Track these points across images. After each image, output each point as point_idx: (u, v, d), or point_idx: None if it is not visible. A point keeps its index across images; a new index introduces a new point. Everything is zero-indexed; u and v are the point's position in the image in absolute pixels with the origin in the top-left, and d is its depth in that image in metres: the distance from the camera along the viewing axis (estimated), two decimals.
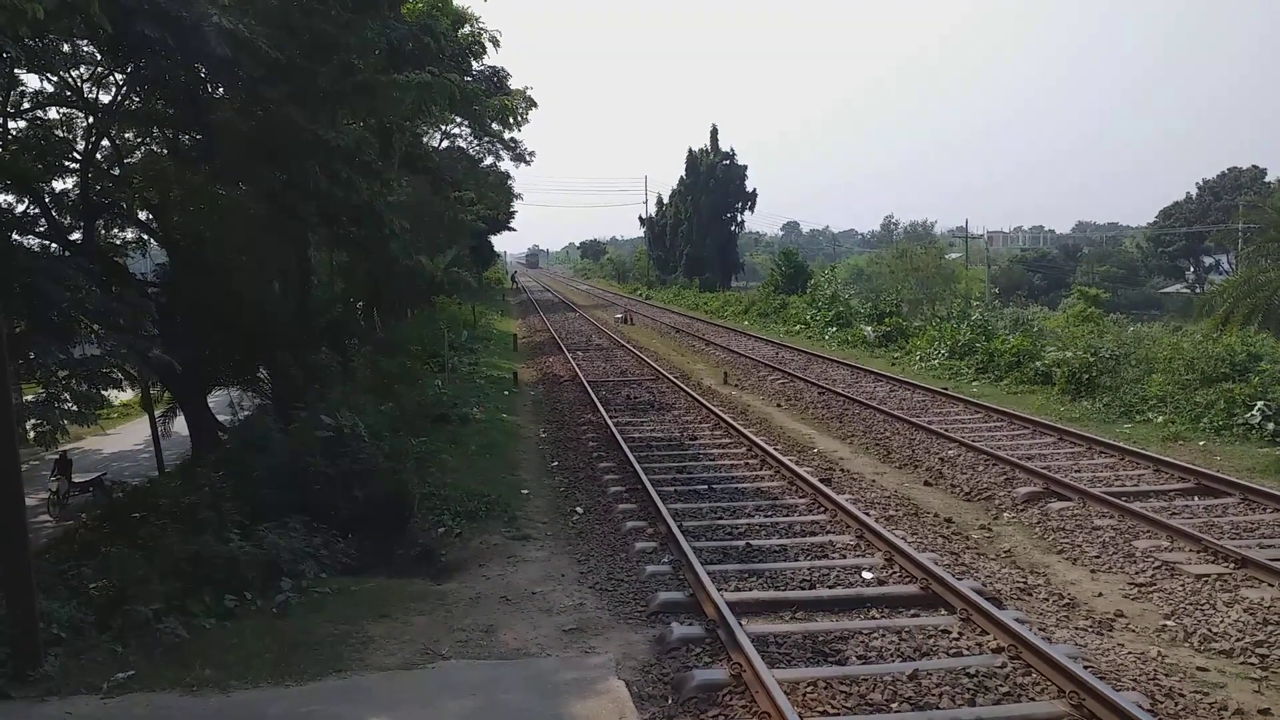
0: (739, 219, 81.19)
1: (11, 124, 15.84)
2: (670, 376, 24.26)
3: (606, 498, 12.73)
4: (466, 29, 25.09)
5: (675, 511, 11.30)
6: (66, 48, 14.77)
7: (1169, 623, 8.07)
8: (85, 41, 14.44)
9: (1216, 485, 11.80)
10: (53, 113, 16.87)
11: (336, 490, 11.07)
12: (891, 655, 7.28)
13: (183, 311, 16.79)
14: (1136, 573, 9.27)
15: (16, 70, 14.62)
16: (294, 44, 14.03)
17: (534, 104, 31.87)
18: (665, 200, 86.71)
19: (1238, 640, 7.54)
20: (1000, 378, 22.23)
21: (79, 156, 16.55)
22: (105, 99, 16.63)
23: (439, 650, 7.57)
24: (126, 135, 18.20)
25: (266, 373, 18.38)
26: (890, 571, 9.16)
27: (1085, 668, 6.74)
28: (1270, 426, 14.70)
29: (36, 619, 7.20)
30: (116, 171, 17.51)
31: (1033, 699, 6.51)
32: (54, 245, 16.07)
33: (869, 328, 32.30)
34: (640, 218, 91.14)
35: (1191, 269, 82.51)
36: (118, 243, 18.72)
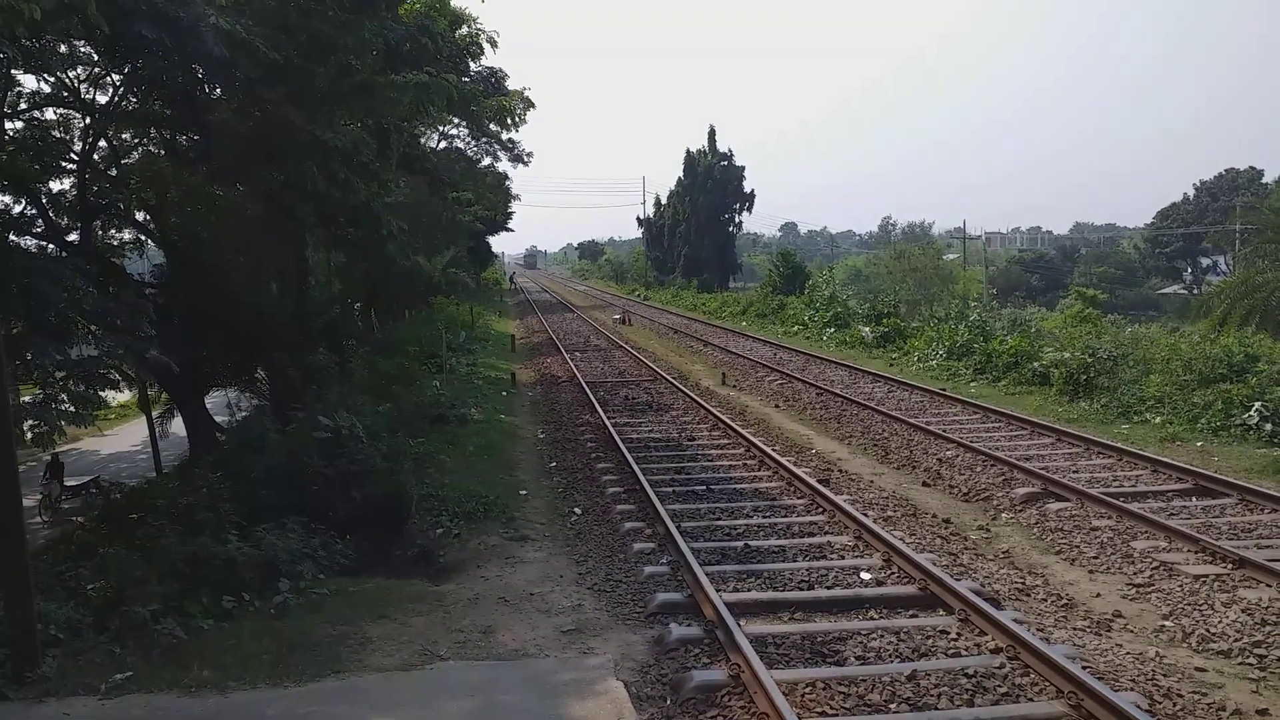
0: (737, 220, 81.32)
1: (9, 125, 15.84)
2: (668, 377, 24.25)
3: (605, 498, 12.72)
4: (464, 29, 25.11)
5: (673, 512, 11.29)
6: (64, 48, 14.78)
7: (1167, 623, 8.07)
8: (82, 42, 14.45)
9: (1214, 486, 11.81)
10: (50, 113, 16.89)
11: (334, 491, 11.07)
12: (890, 656, 7.27)
13: (180, 312, 16.79)
14: (1135, 573, 9.27)
15: (14, 71, 14.62)
16: (291, 44, 14.02)
17: (532, 104, 31.89)
18: (663, 201, 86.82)
19: (1236, 640, 7.55)
20: (998, 378, 22.24)
21: (76, 157, 16.55)
22: (103, 99, 16.65)
23: (437, 651, 7.56)
24: (124, 136, 18.21)
25: (264, 373, 18.39)
26: (888, 572, 9.16)
27: (1083, 668, 6.74)
28: (1268, 427, 14.72)
29: (34, 620, 7.18)
30: (114, 172, 17.51)
31: (1031, 699, 6.51)
32: (51, 246, 16.07)
33: (867, 328, 32.32)
34: (638, 218, 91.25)
35: (1189, 270, 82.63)
36: (115, 243, 18.75)
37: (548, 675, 7.08)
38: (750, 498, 12.32)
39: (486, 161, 44.80)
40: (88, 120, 16.69)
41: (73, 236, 16.71)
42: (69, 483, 19.04)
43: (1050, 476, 12.37)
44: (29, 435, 11.60)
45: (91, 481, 18.62)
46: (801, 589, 8.76)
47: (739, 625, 7.52)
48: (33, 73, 15.30)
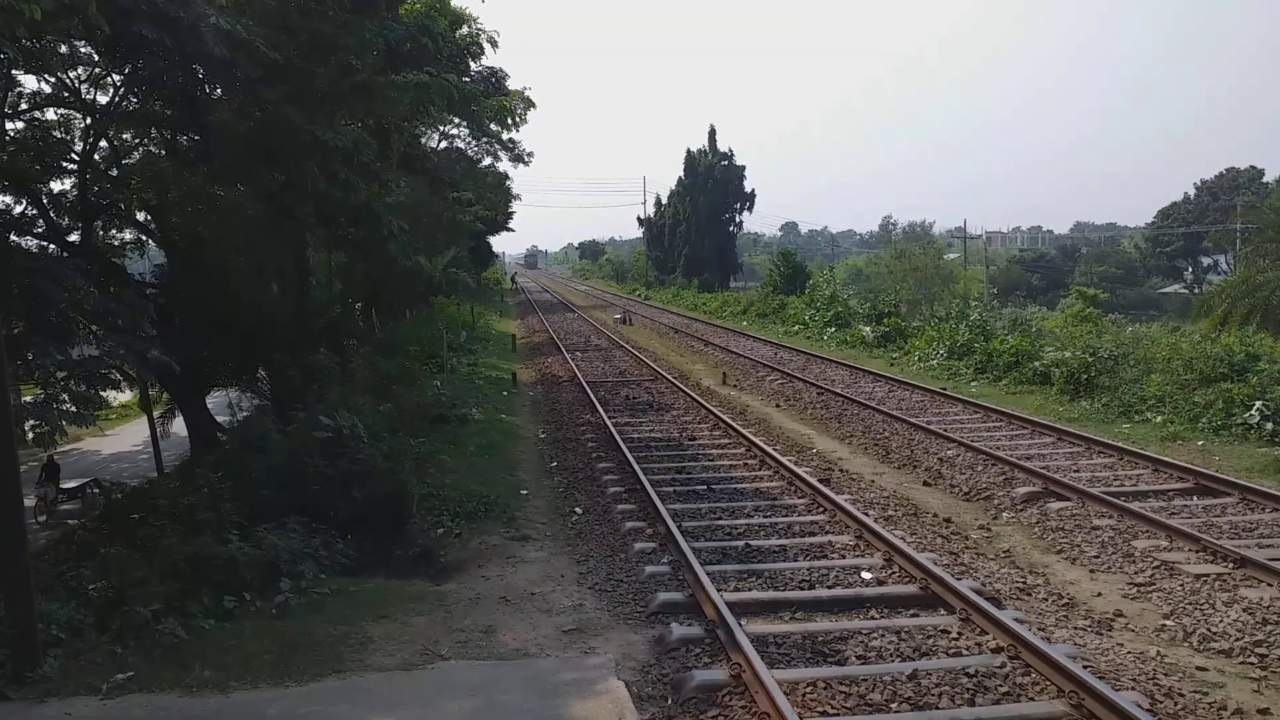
0: (737, 219, 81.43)
1: (9, 125, 15.86)
2: (669, 377, 24.25)
3: (606, 498, 12.73)
4: (464, 29, 25.10)
5: (674, 512, 11.29)
6: (64, 49, 14.79)
7: (1168, 622, 8.07)
8: (83, 42, 14.46)
9: (1215, 485, 11.80)
10: (51, 114, 16.90)
11: (335, 491, 11.07)
12: (891, 655, 7.27)
13: (181, 312, 16.81)
14: (1135, 572, 9.27)
15: (14, 71, 14.63)
16: (292, 44, 14.03)
17: (532, 104, 31.92)
18: (664, 201, 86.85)
19: (1237, 640, 7.55)
20: (999, 378, 22.23)
21: (77, 157, 16.56)
22: (103, 100, 16.66)
23: (438, 651, 7.57)
24: (124, 136, 18.22)
25: (265, 373, 18.39)
26: (889, 571, 9.16)
27: (1084, 667, 6.73)
28: (1269, 426, 14.71)
29: (35, 620, 7.19)
30: (114, 172, 17.52)
31: (1032, 699, 6.51)
32: (52, 246, 16.08)
33: (867, 328, 32.31)
34: (639, 218, 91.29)
35: (1190, 269, 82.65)
36: (116, 244, 18.76)
37: (549, 675, 7.09)
38: (751, 497, 12.32)
39: (487, 161, 44.83)
40: (88, 120, 16.70)
41: (74, 237, 16.73)
42: (65, 485, 19.04)
43: (1051, 476, 12.37)
44: (30, 435, 11.61)
45: (87, 484, 18.62)
46: (802, 588, 8.76)
47: (740, 625, 7.52)
48: (33, 73, 15.31)
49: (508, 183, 50.31)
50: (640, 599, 8.80)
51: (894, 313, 34.85)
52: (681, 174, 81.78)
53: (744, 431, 16.11)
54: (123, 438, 26.92)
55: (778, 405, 20.50)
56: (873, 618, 8.12)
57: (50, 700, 6.75)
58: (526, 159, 44.35)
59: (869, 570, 9.20)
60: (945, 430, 15.74)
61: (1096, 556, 9.82)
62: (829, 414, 18.77)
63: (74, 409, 12.57)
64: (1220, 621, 7.90)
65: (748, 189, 79.75)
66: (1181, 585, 8.79)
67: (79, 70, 16.15)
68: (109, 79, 16.52)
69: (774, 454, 14.23)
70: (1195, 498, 11.58)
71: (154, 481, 15.97)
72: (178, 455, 19.56)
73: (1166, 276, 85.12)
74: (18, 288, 11.34)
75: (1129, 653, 7.37)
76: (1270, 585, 8.58)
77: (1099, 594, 8.86)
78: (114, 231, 18.80)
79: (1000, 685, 6.68)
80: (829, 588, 8.76)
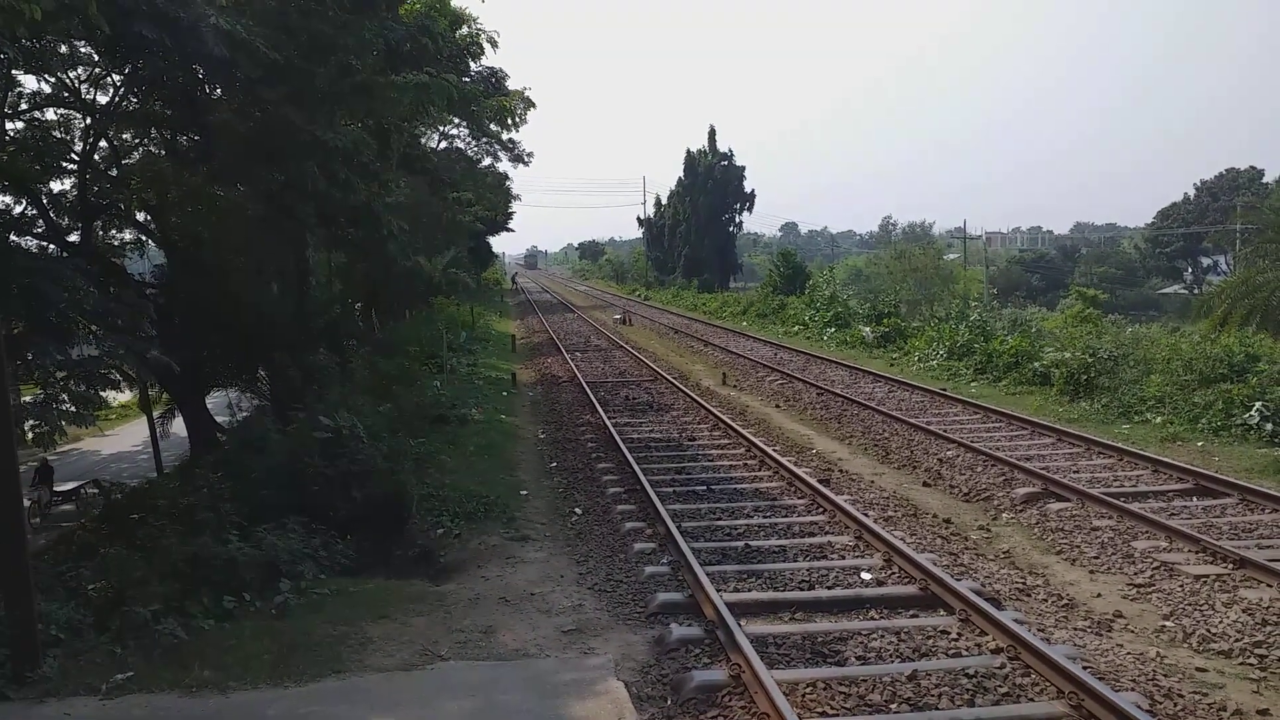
0: (737, 220, 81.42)
1: (9, 125, 15.86)
2: (669, 377, 24.25)
3: (605, 499, 12.72)
4: (464, 29, 25.10)
5: (674, 512, 11.29)
6: (64, 49, 14.79)
7: (1168, 623, 8.07)
8: (83, 42, 14.46)
9: (1215, 486, 11.80)
10: (50, 114, 16.91)
11: (335, 491, 11.07)
12: (890, 656, 7.27)
13: (181, 312, 16.81)
14: (1135, 573, 9.27)
15: (14, 71, 14.63)
16: (292, 45, 14.03)
17: (532, 104, 31.92)
18: (663, 201, 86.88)
19: (1236, 641, 7.54)
20: (999, 378, 22.23)
21: (77, 157, 16.57)
22: (103, 100, 16.67)
23: (438, 651, 7.57)
24: (124, 136, 18.23)
25: (265, 373, 18.39)
26: (889, 572, 9.16)
27: (1084, 668, 6.73)
28: (1268, 427, 14.71)
29: (35, 620, 7.19)
30: (114, 172, 17.53)
31: (1032, 699, 6.51)
32: (52, 246, 16.09)
33: (867, 328, 32.32)
34: (639, 218, 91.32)
35: (1190, 270, 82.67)
36: (116, 244, 18.77)
37: (548, 675, 7.08)
38: (751, 498, 12.32)
39: (487, 161, 44.85)
40: (88, 120, 16.71)
41: (73, 237, 16.74)
42: (59, 488, 18.99)
43: (1051, 476, 12.37)
44: (30, 435, 11.61)
45: (81, 486, 18.58)
46: (802, 589, 8.76)
47: (739, 625, 7.52)
48: (33, 73, 15.32)
49: (507, 183, 50.36)
50: (640, 599, 8.80)
51: (894, 313, 34.85)
52: (681, 174, 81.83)
53: (744, 432, 16.10)
54: (122, 438, 26.93)
55: (777, 406, 20.50)
56: (872, 618, 8.12)
57: (50, 700, 6.75)
58: (526, 159, 44.40)
59: (869, 571, 9.20)
60: (945, 431, 15.74)
61: (1096, 557, 9.82)
62: (829, 414, 18.77)
63: (74, 409, 12.57)
64: (1220, 622, 7.90)
65: (747, 189, 79.82)
66: (1181, 586, 8.79)
67: (79, 70, 16.16)
68: (109, 79, 16.53)
69: (774, 454, 14.23)
70: (1195, 498, 11.58)
71: (153, 481, 15.97)
72: (177, 455, 19.57)
73: (1166, 277, 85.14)
74: (17, 288, 11.34)
75: (1129, 653, 7.37)
76: (1270, 586, 8.58)
77: (1099, 595, 8.86)
78: (114, 231, 18.81)
79: (1000, 686, 6.68)
80: (829, 588, 8.76)
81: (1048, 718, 6.25)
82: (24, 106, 16.22)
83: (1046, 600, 8.72)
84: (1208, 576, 8.89)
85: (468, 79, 25.74)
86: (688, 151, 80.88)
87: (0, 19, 7.39)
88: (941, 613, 8.15)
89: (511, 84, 31.67)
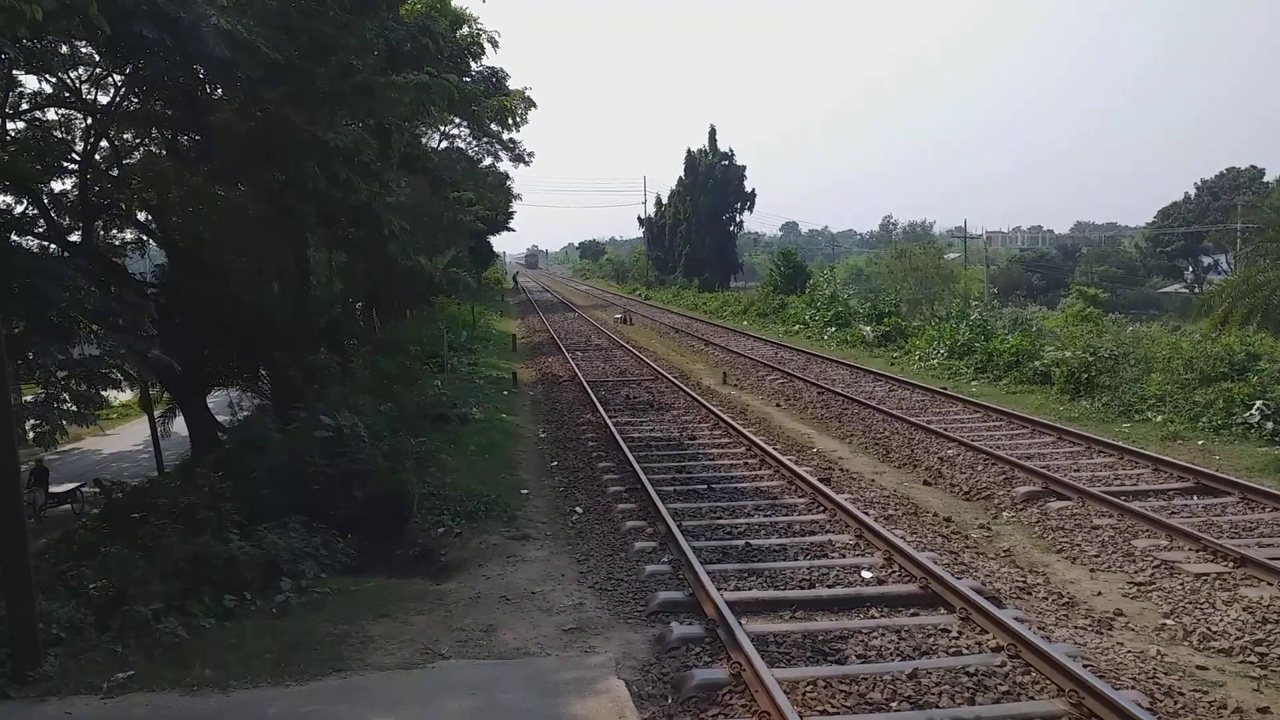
0: (738, 219, 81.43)
1: (10, 125, 15.88)
2: (669, 376, 24.25)
3: (606, 497, 12.73)
4: (465, 29, 25.12)
5: (675, 511, 11.29)
6: (65, 49, 14.81)
7: (1168, 621, 8.07)
8: (84, 43, 14.48)
9: (1215, 484, 11.80)
10: (51, 114, 16.92)
11: (336, 490, 11.07)
12: (891, 654, 7.27)
13: (182, 312, 16.82)
14: (1136, 572, 9.27)
15: (15, 71, 14.65)
16: (292, 45, 14.04)
17: (533, 104, 31.91)
18: (664, 201, 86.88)
19: (1237, 639, 7.55)
20: (999, 377, 22.23)
21: (78, 157, 16.58)
22: (104, 100, 16.68)
23: (439, 650, 7.57)
24: (125, 136, 18.24)
25: (265, 373, 18.40)
26: (889, 571, 9.16)
27: (1084, 666, 6.74)
28: (1269, 425, 14.71)
29: (36, 619, 7.19)
30: (115, 172, 17.54)
31: (1032, 698, 6.52)
32: (53, 246, 16.10)
33: (868, 328, 32.31)
34: (639, 218, 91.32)
35: (1190, 269, 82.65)
36: (117, 243, 18.79)
37: (549, 674, 7.09)
38: (751, 496, 12.32)
39: (488, 161, 44.87)
40: (89, 120, 16.72)
41: (74, 236, 16.75)
42: (54, 489, 18.96)
43: (1051, 475, 12.37)
44: (31, 434, 11.62)
45: (77, 488, 18.56)
46: (803, 588, 8.76)
47: (740, 624, 7.53)
48: (34, 73, 15.33)
49: (508, 183, 50.39)
50: (641, 598, 8.80)
51: (894, 312, 34.84)
52: (682, 174, 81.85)
53: (744, 431, 16.11)
54: (123, 437, 26.95)
55: (778, 405, 20.50)
56: (873, 617, 8.13)
57: (51, 699, 6.76)
58: (527, 159, 44.43)
59: (869, 569, 9.21)
60: (945, 429, 15.74)
61: (1097, 556, 9.82)
62: (829, 413, 18.77)
63: (75, 408, 12.59)
64: (1220, 621, 7.90)
65: (748, 189, 79.83)
66: (1181, 584, 8.79)
67: (80, 70, 16.17)
68: (110, 79, 16.54)
69: (774, 453, 14.23)
70: (1195, 497, 11.58)
71: (154, 481, 15.98)
72: (178, 455, 19.59)
73: (1167, 276, 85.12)
74: (19, 287, 11.36)
75: (1129, 652, 7.37)
76: (1270, 584, 8.58)
77: (1099, 593, 8.86)
78: (115, 231, 18.82)
79: (1000, 684, 6.69)
80: (829, 587, 8.76)
81: (1048, 716, 6.26)
82: (25, 106, 16.24)
83: (1047, 599, 8.73)
84: (1208, 575, 8.89)
85: (468, 79, 25.77)
86: (688, 151, 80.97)
87: (1, 19, 7.41)
88: (942, 611, 8.15)
89: (512, 84, 31.74)
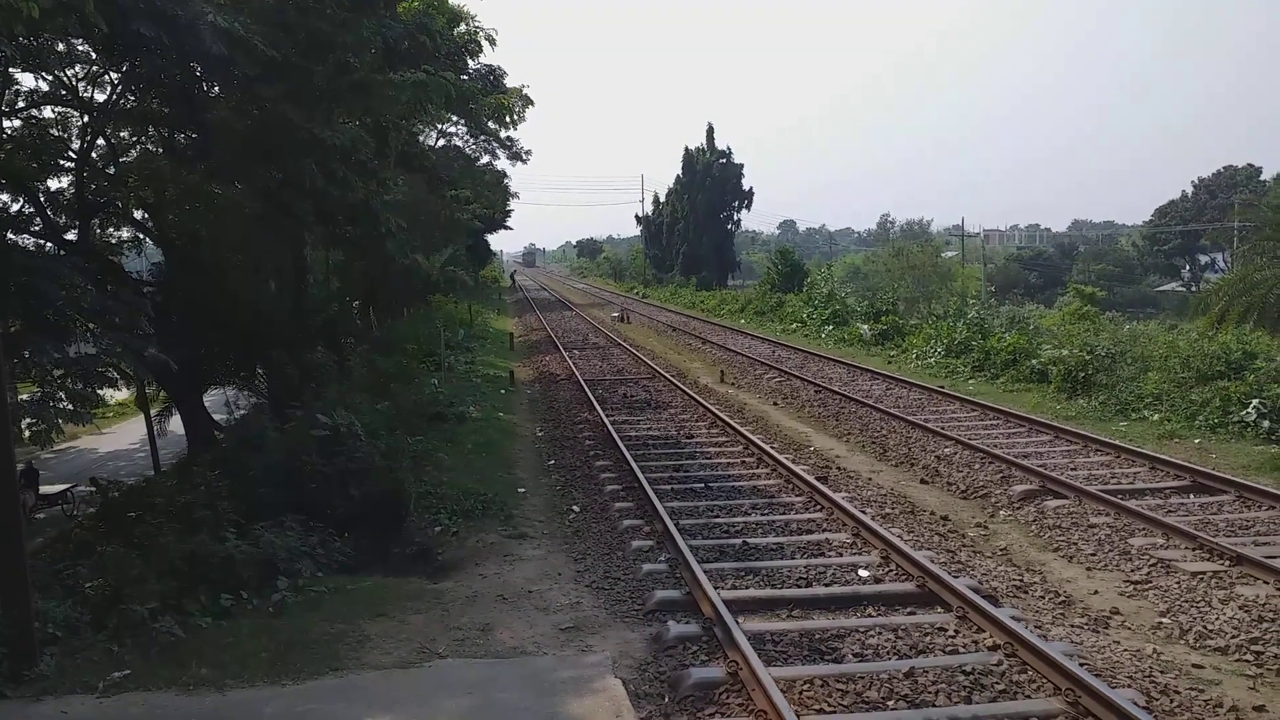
0: (735, 217, 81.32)
1: (6, 123, 15.84)
2: (667, 375, 24.26)
3: (603, 496, 12.73)
4: (462, 27, 25.07)
5: (672, 510, 11.30)
6: (61, 46, 14.76)
7: (1165, 620, 8.08)
8: (80, 40, 14.42)
9: (1212, 483, 11.82)
10: (48, 111, 16.88)
11: (333, 489, 11.06)
12: (888, 653, 7.28)
13: (178, 310, 16.78)
14: (1132, 570, 9.28)
15: (11, 69, 14.59)
16: (290, 42, 14.00)
17: (530, 102, 31.92)
18: (662, 199, 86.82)
19: (1233, 637, 7.56)
20: (996, 376, 22.25)
21: (74, 155, 16.54)
22: (100, 98, 16.64)
23: (436, 649, 7.57)
24: (122, 134, 18.20)
25: (262, 371, 18.38)
26: (886, 569, 9.17)
27: (1081, 665, 6.75)
28: (1265, 424, 14.73)
29: (32, 618, 7.18)
30: (112, 170, 17.50)
31: (1029, 696, 6.53)
32: (49, 244, 16.07)
33: (865, 326, 32.32)
34: (637, 216, 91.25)
35: (1187, 267, 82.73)
36: (113, 241, 18.75)
37: (546, 673, 7.09)
38: (748, 495, 12.33)
39: (485, 159, 44.87)
40: (86, 118, 16.68)
41: (71, 235, 16.71)
42: (44, 491, 18.88)
43: (1048, 474, 12.38)
44: (27, 433, 11.58)
45: (68, 490, 18.47)
46: (800, 586, 8.76)
47: (737, 622, 7.53)
48: (31, 71, 15.28)
49: (506, 181, 50.42)
50: (638, 597, 8.80)
51: (892, 311, 34.85)
52: (679, 172, 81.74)
53: (742, 429, 16.11)
54: (120, 436, 26.88)
55: (775, 403, 20.50)
56: (870, 615, 8.13)
57: (47, 698, 6.75)
58: (524, 157, 44.43)
59: (866, 568, 9.22)
60: (942, 428, 15.75)
61: (1093, 554, 9.84)
62: (826, 412, 18.78)
63: (71, 407, 12.54)
64: (1216, 619, 7.92)
65: (745, 187, 79.74)
66: (1178, 583, 8.81)
67: (76, 68, 16.12)
68: (106, 77, 16.50)
69: (771, 452, 14.24)
70: (1192, 495, 11.60)
71: (151, 480, 15.92)
72: (175, 454, 19.55)
73: (1164, 274, 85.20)
74: (15, 286, 11.32)
75: (1125, 650, 7.39)
76: (1266, 583, 8.60)
77: (1095, 591, 8.87)
78: (111, 229, 18.77)
79: (997, 683, 6.70)
80: (826, 585, 8.77)
81: (1045, 714, 6.27)
82: (21, 104, 16.18)
83: (1044, 597, 8.74)
84: (1204, 573, 8.91)
85: (466, 77, 25.71)
86: (686, 149, 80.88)
87: None
88: (939, 610, 8.16)
89: (509, 81, 31.70)
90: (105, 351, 12.88)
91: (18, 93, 16.00)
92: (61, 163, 16.42)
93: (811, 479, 12.42)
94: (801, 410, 19.49)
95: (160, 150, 17.90)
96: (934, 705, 6.42)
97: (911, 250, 65.76)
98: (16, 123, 16.25)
